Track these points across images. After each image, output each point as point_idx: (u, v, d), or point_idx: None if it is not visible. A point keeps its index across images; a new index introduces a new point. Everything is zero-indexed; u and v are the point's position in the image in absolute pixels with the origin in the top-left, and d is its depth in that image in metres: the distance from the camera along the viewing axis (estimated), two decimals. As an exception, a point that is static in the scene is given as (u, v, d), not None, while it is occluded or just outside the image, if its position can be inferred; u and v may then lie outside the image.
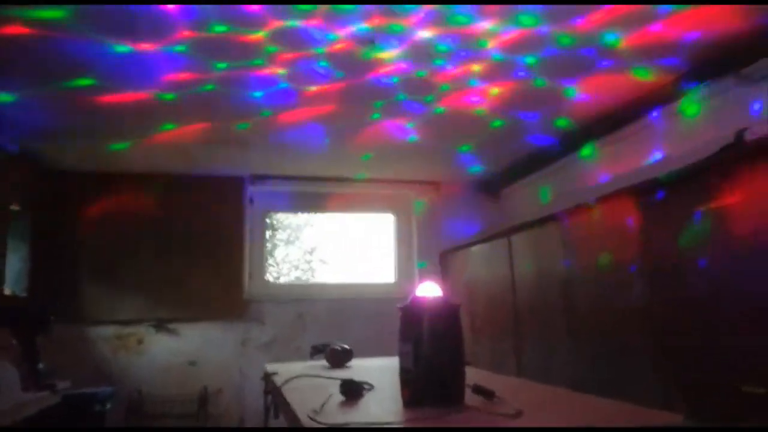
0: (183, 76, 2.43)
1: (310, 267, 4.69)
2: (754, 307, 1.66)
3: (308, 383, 1.79)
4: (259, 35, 2.12)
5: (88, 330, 3.74)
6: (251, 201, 4.23)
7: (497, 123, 3.12)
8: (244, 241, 4.10)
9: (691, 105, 2.55)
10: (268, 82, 2.52)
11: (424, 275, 4.26)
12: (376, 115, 2.98)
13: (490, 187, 4.49)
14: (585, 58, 2.35)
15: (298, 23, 2.05)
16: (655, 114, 2.76)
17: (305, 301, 4.16)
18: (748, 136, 1.71)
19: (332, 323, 4.05)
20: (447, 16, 2.02)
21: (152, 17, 1.96)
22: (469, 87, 2.64)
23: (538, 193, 3.89)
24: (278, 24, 2.05)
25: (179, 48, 2.19)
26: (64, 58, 2.24)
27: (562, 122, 3.12)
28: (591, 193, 2.66)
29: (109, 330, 3.77)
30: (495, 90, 2.67)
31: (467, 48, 2.26)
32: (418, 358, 1.31)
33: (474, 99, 2.77)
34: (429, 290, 1.42)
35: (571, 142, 3.36)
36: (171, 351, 3.83)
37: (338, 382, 1.53)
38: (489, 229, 3.74)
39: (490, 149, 3.62)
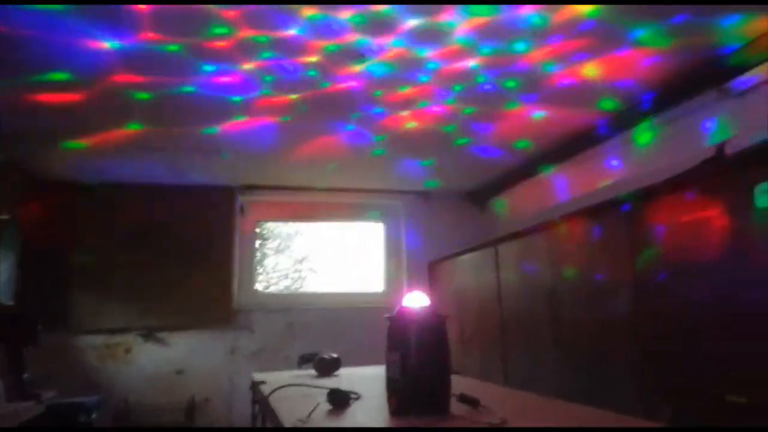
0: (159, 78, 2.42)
1: (300, 276, 4.69)
2: (736, 317, 1.69)
3: (296, 392, 1.79)
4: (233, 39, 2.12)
5: (75, 339, 3.71)
6: (242, 210, 4.23)
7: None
8: (234, 250, 4.09)
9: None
10: (249, 87, 2.51)
11: (412, 285, 4.28)
12: (349, 127, 3.01)
13: (478, 198, 4.52)
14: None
15: (286, 32, 2.07)
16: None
17: (294, 310, 4.16)
18: (729, 150, 1.75)
19: (321, 332, 4.05)
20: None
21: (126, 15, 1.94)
22: (442, 103, 2.70)
23: (525, 204, 3.92)
24: (252, 33, 2.07)
25: (158, 48, 2.15)
26: (40, 56, 2.19)
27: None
28: (576, 205, 2.70)
29: (97, 339, 3.74)
30: (468, 109, 2.75)
31: (449, 61, 2.30)
32: (404, 367, 1.32)
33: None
34: (416, 300, 1.44)
35: (562, 151, 3.39)
36: (159, 360, 3.81)
37: (325, 391, 1.53)
38: (476, 239, 3.77)
39: (475, 161, 3.66)
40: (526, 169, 3.71)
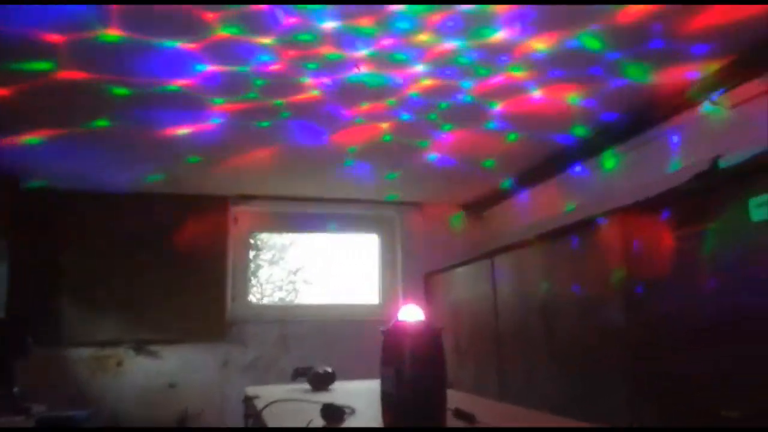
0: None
1: (294, 288, 4.67)
2: (731, 331, 1.69)
3: (289, 407, 1.77)
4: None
5: (66, 351, 3.67)
6: (235, 221, 4.21)
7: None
8: (227, 262, 4.07)
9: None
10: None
11: (408, 297, 4.27)
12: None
13: (474, 209, 4.52)
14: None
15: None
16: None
17: (288, 322, 4.13)
18: (723, 164, 1.75)
19: (316, 345, 4.03)
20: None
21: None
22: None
23: (521, 215, 3.93)
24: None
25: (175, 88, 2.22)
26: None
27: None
28: (573, 216, 2.70)
29: (88, 352, 3.70)
30: (497, 105, 2.71)
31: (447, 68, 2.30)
32: (399, 382, 1.31)
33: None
34: (411, 314, 1.43)
35: (558, 162, 3.40)
36: (150, 373, 3.77)
37: (319, 406, 1.52)
38: (472, 251, 3.76)
39: (476, 171, 3.66)
40: (525, 179, 3.71)
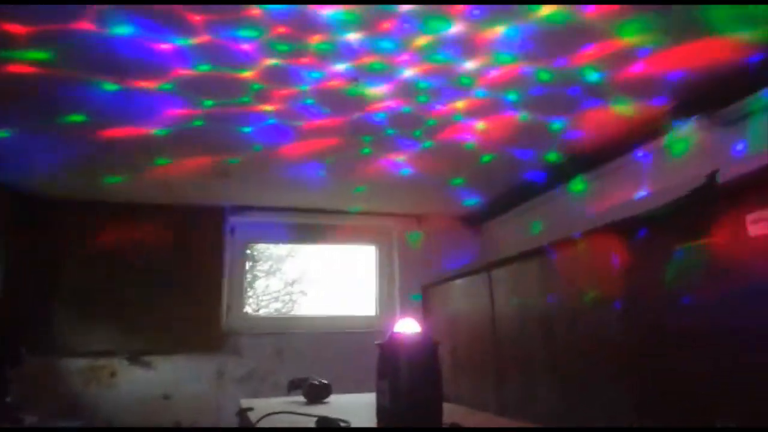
0: (172, 112, 2.44)
1: (291, 299, 4.66)
2: (730, 344, 1.68)
3: (283, 420, 1.75)
4: (248, 74, 2.15)
5: (59, 362, 3.63)
6: (232, 231, 4.20)
7: (486, 158, 3.17)
8: (224, 272, 4.05)
9: (677, 142, 2.62)
10: (257, 118, 2.54)
11: (405, 309, 4.25)
12: (363, 150, 3.01)
13: (472, 221, 4.52)
14: (570, 97, 2.41)
15: (286, 62, 2.08)
16: (639, 153, 2.83)
17: (285, 334, 4.10)
18: (720, 178, 1.75)
19: (312, 357, 4.00)
20: (430, 56, 2.07)
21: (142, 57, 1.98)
22: (455, 122, 2.68)
23: (519, 227, 3.93)
24: (266, 62, 2.08)
25: (167, 86, 2.21)
26: (56, 96, 2.26)
27: (552, 156, 3.16)
28: (573, 228, 2.70)
29: (81, 362, 3.67)
30: (481, 125, 2.72)
31: (451, 86, 2.31)
32: (394, 396, 1.30)
33: (460, 135, 2.82)
34: (407, 327, 1.42)
35: (555, 177, 3.40)
36: (145, 384, 3.73)
37: (314, 419, 1.50)
38: (470, 263, 3.75)
39: (474, 184, 3.66)
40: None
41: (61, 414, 3.32)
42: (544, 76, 2.22)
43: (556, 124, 2.71)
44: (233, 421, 2.92)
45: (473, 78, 2.24)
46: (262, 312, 4.48)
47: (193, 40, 1.94)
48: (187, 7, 1.77)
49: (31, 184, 3.53)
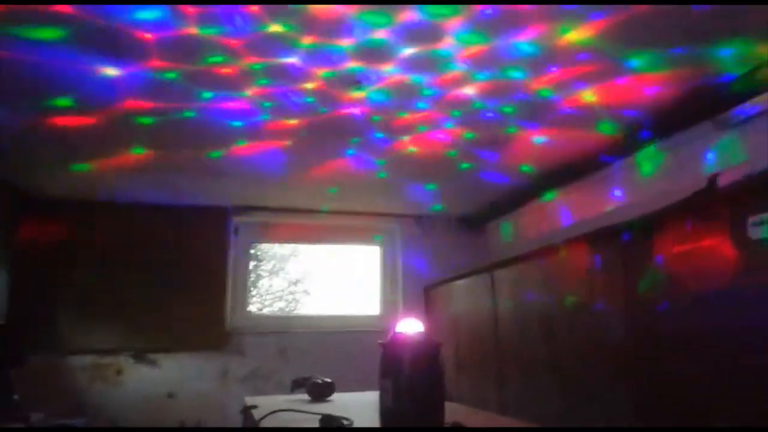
0: (160, 103, 2.44)
1: (294, 298, 4.68)
2: (732, 347, 1.70)
3: (287, 418, 1.78)
4: (240, 66, 2.15)
5: (65, 360, 3.67)
6: (236, 231, 4.23)
7: (465, 165, 3.22)
8: (227, 272, 4.08)
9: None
10: (249, 113, 2.55)
11: (408, 309, 4.27)
12: (350, 151, 3.04)
13: (475, 222, 4.54)
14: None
15: (281, 60, 2.10)
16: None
17: (288, 333, 4.13)
18: (720, 182, 1.77)
19: (315, 355, 4.02)
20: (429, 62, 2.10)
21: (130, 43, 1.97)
22: (445, 129, 2.72)
23: (522, 229, 3.94)
24: (260, 60, 2.10)
25: (156, 75, 2.19)
26: (44, 79, 2.22)
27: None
28: (573, 231, 2.71)
29: (87, 360, 3.70)
30: (469, 134, 2.76)
31: (443, 90, 2.34)
32: (397, 395, 1.32)
33: (444, 138, 2.87)
34: (410, 326, 1.44)
35: (556, 179, 3.43)
36: (149, 382, 3.76)
37: (318, 417, 1.52)
38: (472, 264, 3.77)
39: (472, 186, 3.68)
40: (526, 194, 3.73)
41: (66, 412, 3.35)
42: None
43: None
44: (237, 419, 2.94)
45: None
46: (265, 311, 4.50)
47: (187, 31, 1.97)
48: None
49: (32, 185, 3.57)
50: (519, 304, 3.02)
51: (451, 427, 1.40)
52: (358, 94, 2.37)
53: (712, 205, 1.80)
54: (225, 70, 2.14)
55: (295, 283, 4.67)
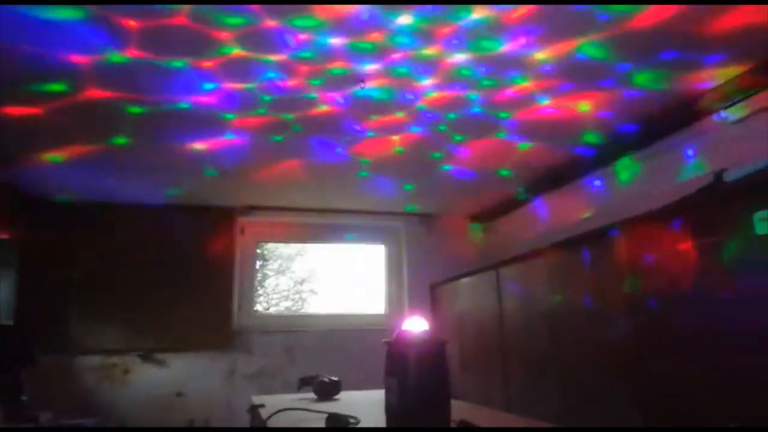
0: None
1: (301, 297, 4.69)
2: (738, 344, 1.69)
3: (294, 417, 1.78)
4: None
5: (73, 360, 3.69)
6: (242, 231, 4.24)
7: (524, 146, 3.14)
8: (234, 271, 4.09)
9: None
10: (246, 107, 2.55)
11: (413, 307, 4.27)
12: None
13: (480, 220, 4.53)
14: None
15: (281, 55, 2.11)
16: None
17: (295, 331, 4.14)
18: (727, 177, 1.76)
19: (322, 354, 4.03)
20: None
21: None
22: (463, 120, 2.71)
23: (528, 227, 3.93)
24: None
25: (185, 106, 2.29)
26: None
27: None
28: (578, 228, 2.71)
29: (95, 360, 3.72)
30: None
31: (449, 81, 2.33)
32: (403, 393, 1.32)
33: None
34: (416, 325, 1.44)
35: (562, 175, 3.41)
36: (157, 381, 3.78)
37: (324, 416, 1.53)
38: (478, 262, 3.76)
39: (480, 183, 3.68)
40: (527, 193, 3.73)
41: (75, 411, 3.38)
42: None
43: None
44: (244, 418, 2.96)
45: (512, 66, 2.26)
46: (272, 310, 4.51)
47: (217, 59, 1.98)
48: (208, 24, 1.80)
49: (42, 186, 3.59)
50: (524, 302, 3.01)
51: (461, 427, 1.40)
52: (356, 92, 2.38)
53: (718, 200, 1.79)
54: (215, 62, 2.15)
55: (301, 282, 4.68)
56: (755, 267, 1.64)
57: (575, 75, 2.23)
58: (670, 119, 2.57)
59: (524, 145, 3.00)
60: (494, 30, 1.91)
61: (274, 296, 4.64)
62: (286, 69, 2.16)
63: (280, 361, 4.02)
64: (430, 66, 2.17)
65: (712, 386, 1.76)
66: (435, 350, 1.38)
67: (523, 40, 1.96)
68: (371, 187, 3.70)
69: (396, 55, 2.08)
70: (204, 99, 2.39)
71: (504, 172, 3.45)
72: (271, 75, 2.20)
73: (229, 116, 2.57)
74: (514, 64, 2.14)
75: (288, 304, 4.66)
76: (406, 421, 1.33)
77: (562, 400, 2.59)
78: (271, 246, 4.62)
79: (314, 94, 2.38)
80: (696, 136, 2.52)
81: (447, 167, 3.34)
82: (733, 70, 2.18)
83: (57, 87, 2.23)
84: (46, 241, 3.77)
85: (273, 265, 4.70)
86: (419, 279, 4.40)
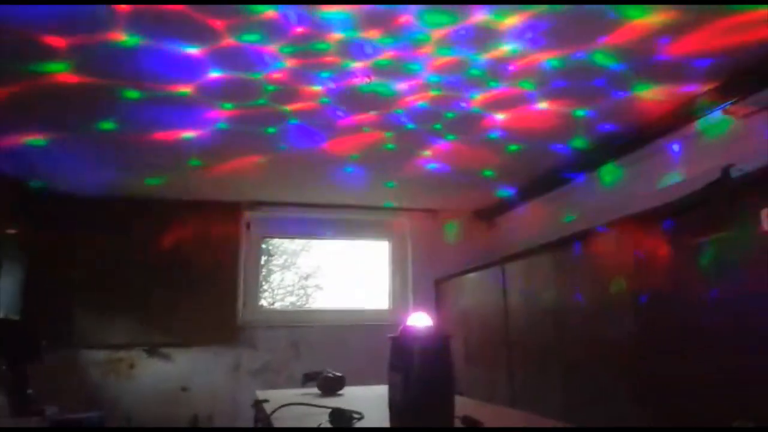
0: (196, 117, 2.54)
1: (306, 293, 4.69)
2: (744, 340, 1.68)
3: (298, 412, 1.78)
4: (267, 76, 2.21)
5: (79, 354, 3.71)
6: (248, 226, 4.24)
7: (514, 147, 3.11)
8: (239, 266, 4.10)
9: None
10: (280, 117, 2.61)
11: (418, 303, 4.27)
12: (390, 146, 3.03)
13: (485, 215, 4.52)
14: (594, 88, 2.39)
15: (305, 63, 2.12)
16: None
17: (299, 327, 4.14)
18: (734, 173, 1.74)
19: (326, 349, 4.04)
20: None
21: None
22: (477, 116, 2.69)
23: (533, 222, 3.92)
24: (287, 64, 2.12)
25: (184, 93, 2.28)
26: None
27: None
28: (586, 223, 2.69)
29: (101, 354, 3.74)
30: (500, 116, 2.70)
31: (471, 80, 2.32)
32: (406, 389, 1.31)
33: (482, 128, 2.83)
34: (420, 320, 1.43)
35: (581, 166, 3.38)
36: (162, 376, 3.80)
37: (328, 411, 1.52)
38: (483, 258, 3.76)
39: (491, 178, 3.67)
40: (537, 187, 3.71)
41: (81, 405, 3.39)
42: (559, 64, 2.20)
43: (580, 113, 2.68)
44: (249, 413, 2.96)
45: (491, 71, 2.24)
46: (277, 305, 4.52)
47: (213, 46, 1.98)
48: (205, 12, 1.80)
49: (49, 182, 3.60)
50: (529, 298, 3.01)
51: (467, 427, 1.39)
52: (362, 87, 2.37)
53: (725, 196, 1.77)
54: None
55: (306, 277, 4.67)
56: (761, 263, 1.63)
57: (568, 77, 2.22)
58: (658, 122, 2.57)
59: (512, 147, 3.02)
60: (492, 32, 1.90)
61: (279, 291, 4.64)
62: (283, 60, 2.15)
63: (285, 356, 4.03)
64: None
65: (716, 383, 1.75)
66: (439, 345, 1.37)
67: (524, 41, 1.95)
68: (375, 182, 3.70)
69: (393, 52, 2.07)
70: (198, 87, 2.35)
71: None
72: (280, 65, 2.19)
73: (228, 105, 2.55)
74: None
75: (293, 299, 4.66)
76: (410, 416, 1.32)
77: (566, 395, 2.58)
78: (276, 241, 4.62)
79: (318, 86, 2.38)
80: (682, 139, 2.51)
81: (442, 164, 3.34)
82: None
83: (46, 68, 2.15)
84: (53, 237, 3.78)
85: (278, 261, 4.70)
86: (424, 274, 4.39)
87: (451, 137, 2.91)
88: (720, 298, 1.77)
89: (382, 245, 4.63)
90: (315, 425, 1.44)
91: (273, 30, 1.93)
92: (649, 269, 2.10)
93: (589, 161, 3.17)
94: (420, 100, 2.49)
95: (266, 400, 2.06)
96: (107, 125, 2.69)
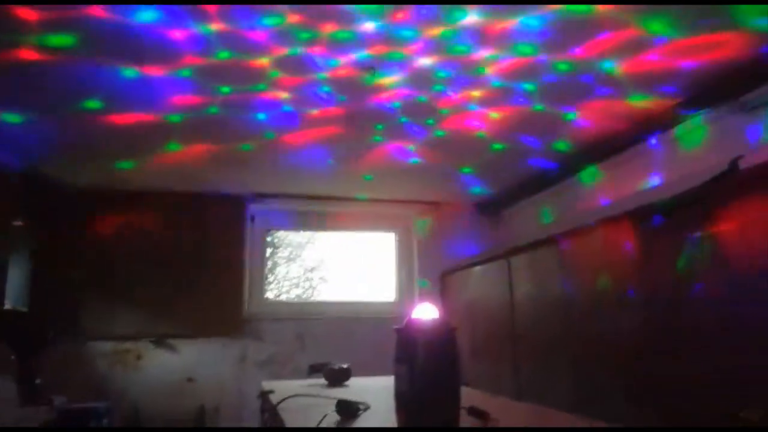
0: (188, 99, 2.48)
1: (311, 285, 4.70)
2: (752, 333, 1.67)
3: (304, 402, 1.79)
4: (263, 61, 2.17)
5: (86, 345, 3.74)
6: (252, 219, 4.25)
7: (497, 146, 3.15)
8: (245, 259, 4.11)
9: (689, 132, 2.60)
10: (272, 105, 2.57)
11: (424, 295, 4.27)
12: (377, 138, 3.01)
13: (491, 208, 4.51)
14: (584, 85, 2.38)
15: (300, 50, 2.09)
16: (653, 140, 2.80)
17: (305, 319, 4.16)
18: (743, 164, 1.73)
19: (332, 341, 4.05)
20: (446, 45, 2.07)
21: (159, 43, 2.00)
22: (469, 111, 2.67)
23: (538, 215, 3.91)
24: (281, 51, 2.10)
25: (185, 72, 2.24)
26: (73, 82, 2.29)
27: (561, 146, 3.15)
28: (590, 217, 2.68)
29: (108, 345, 3.77)
30: (495, 114, 2.70)
31: (466, 74, 2.30)
32: (412, 380, 1.31)
33: (474, 123, 2.81)
34: (426, 312, 1.43)
35: (570, 165, 3.39)
36: (169, 367, 3.82)
37: (334, 402, 1.53)
38: (489, 250, 3.75)
39: (491, 171, 3.66)
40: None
41: (88, 396, 3.42)
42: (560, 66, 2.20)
43: (569, 114, 2.68)
44: (255, 404, 2.98)
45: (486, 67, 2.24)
46: (282, 298, 4.52)
47: (209, 27, 1.95)
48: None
49: (56, 175, 3.61)
50: (535, 290, 3.00)
51: (467, 427, 1.40)
52: (381, 83, 2.36)
53: (733, 188, 1.76)
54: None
55: (312, 270, 4.68)
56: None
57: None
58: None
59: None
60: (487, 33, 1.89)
61: (285, 284, 4.64)
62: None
63: (291, 348, 4.04)
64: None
65: (728, 377, 1.74)
66: (445, 337, 1.37)
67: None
68: (379, 174, 3.69)
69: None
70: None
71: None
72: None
73: (226, 89, 2.51)
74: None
75: (298, 291, 4.66)
76: (415, 407, 1.33)
77: (572, 387, 2.58)
78: (281, 234, 4.62)
79: (328, 88, 2.37)
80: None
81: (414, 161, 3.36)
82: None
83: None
84: (60, 229, 3.80)
85: (283, 253, 4.70)
86: (429, 267, 4.40)
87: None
88: (729, 290, 1.76)
89: (389, 237, 4.63)
90: (321, 416, 1.45)
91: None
92: (654, 263, 2.09)
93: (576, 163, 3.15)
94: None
95: (272, 391, 2.07)
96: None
